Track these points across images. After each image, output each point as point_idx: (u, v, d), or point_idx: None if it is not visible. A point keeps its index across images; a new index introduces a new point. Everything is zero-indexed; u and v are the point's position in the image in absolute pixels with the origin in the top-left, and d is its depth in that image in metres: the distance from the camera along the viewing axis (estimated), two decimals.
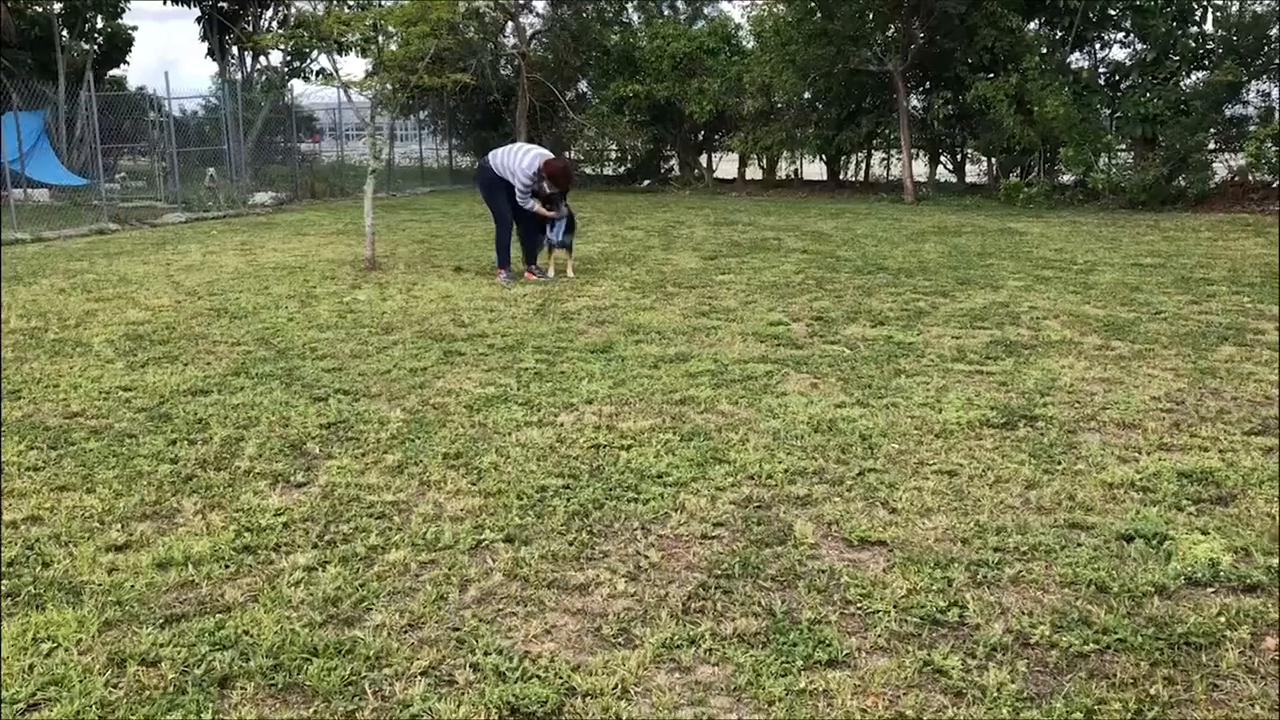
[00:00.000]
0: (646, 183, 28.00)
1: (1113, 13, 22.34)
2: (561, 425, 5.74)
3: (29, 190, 22.55)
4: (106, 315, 9.40)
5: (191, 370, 7.17)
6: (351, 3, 19.22)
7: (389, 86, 12.47)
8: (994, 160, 24.06)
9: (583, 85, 29.38)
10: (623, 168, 29.10)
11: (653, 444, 5.31)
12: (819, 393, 6.41)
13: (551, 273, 11.50)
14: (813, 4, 22.74)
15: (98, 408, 6.19)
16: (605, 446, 5.31)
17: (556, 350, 7.82)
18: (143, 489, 4.75)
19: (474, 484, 4.79)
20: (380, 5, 17.15)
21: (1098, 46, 23.15)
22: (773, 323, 8.88)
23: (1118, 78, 22.55)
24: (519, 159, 11.11)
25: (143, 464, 5.11)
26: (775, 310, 9.52)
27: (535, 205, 11.21)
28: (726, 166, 30.02)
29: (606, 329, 8.68)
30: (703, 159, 29.34)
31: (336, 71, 12.26)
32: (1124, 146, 22.11)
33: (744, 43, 26.84)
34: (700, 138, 28.62)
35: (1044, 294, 10.32)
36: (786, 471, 4.86)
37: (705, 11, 28.83)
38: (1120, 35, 22.75)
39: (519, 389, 6.61)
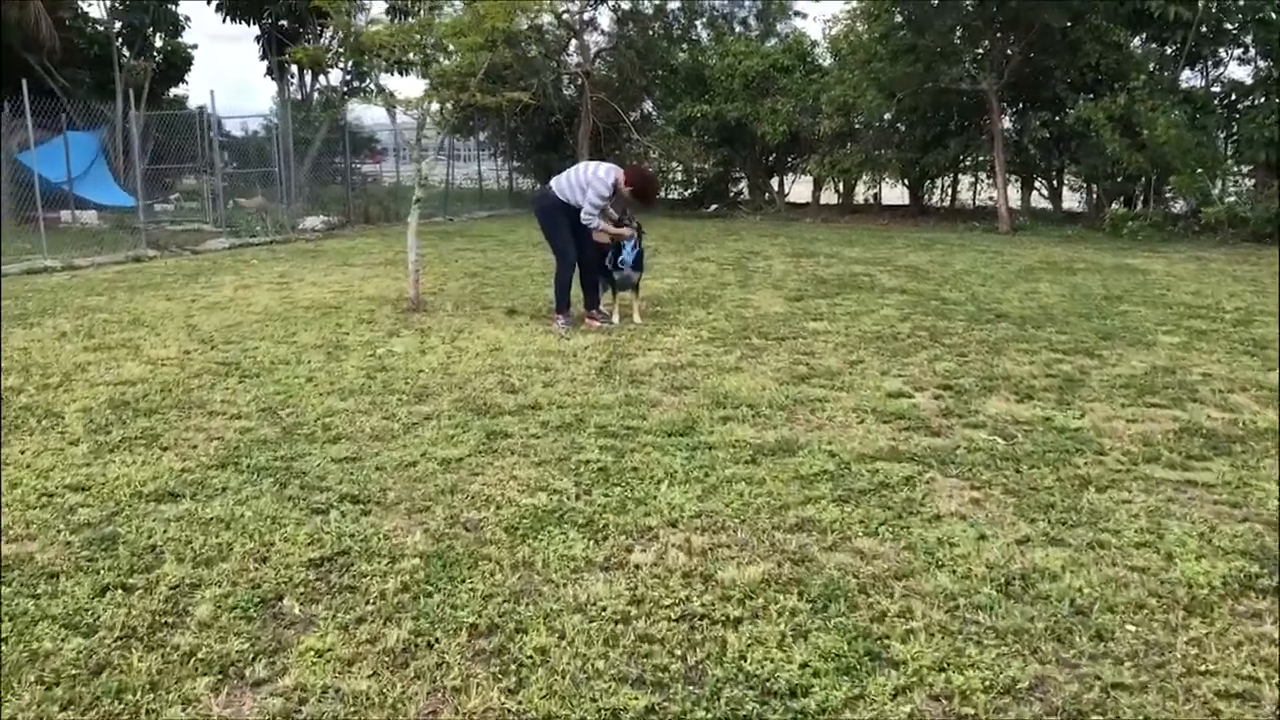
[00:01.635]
0: (714, 207, 26.40)
1: (1231, 27, 20.36)
2: (637, 570, 4.13)
3: (76, 212, 21.51)
4: (98, 371, 7.99)
5: (169, 458, 5.68)
6: (413, 20, 17.96)
7: (436, 105, 10.99)
8: (1095, 187, 22.10)
9: (648, 105, 27.90)
10: (689, 191, 27.52)
11: (771, 616, 3.68)
12: (986, 516, 4.73)
13: (616, 318, 9.95)
14: (900, 19, 21.01)
15: (28, 522, 4.71)
16: (702, 618, 3.69)
17: (625, 431, 6.23)
18: (21, 695, 3.21)
19: (511, 694, 3.19)
20: (436, 17, 15.84)
21: (1212, 64, 21.14)
22: (892, 393, 7.22)
23: (1235, 97, 20.52)
24: (590, 173, 9.66)
25: (45, 636, 3.58)
26: (890, 374, 7.85)
27: (603, 225, 9.71)
28: (799, 190, 28.33)
29: (685, 398, 7.08)
30: (774, 182, 27.68)
31: (379, 87, 10.78)
32: (1242, 173, 20.07)
33: (820, 60, 25.17)
34: (772, 160, 26.97)
35: (1209, 355, 8.53)
36: (988, 689, 3.19)
37: (779, 29, 27.21)
38: (1239, 51, 20.73)
39: (578, 497, 5.02)
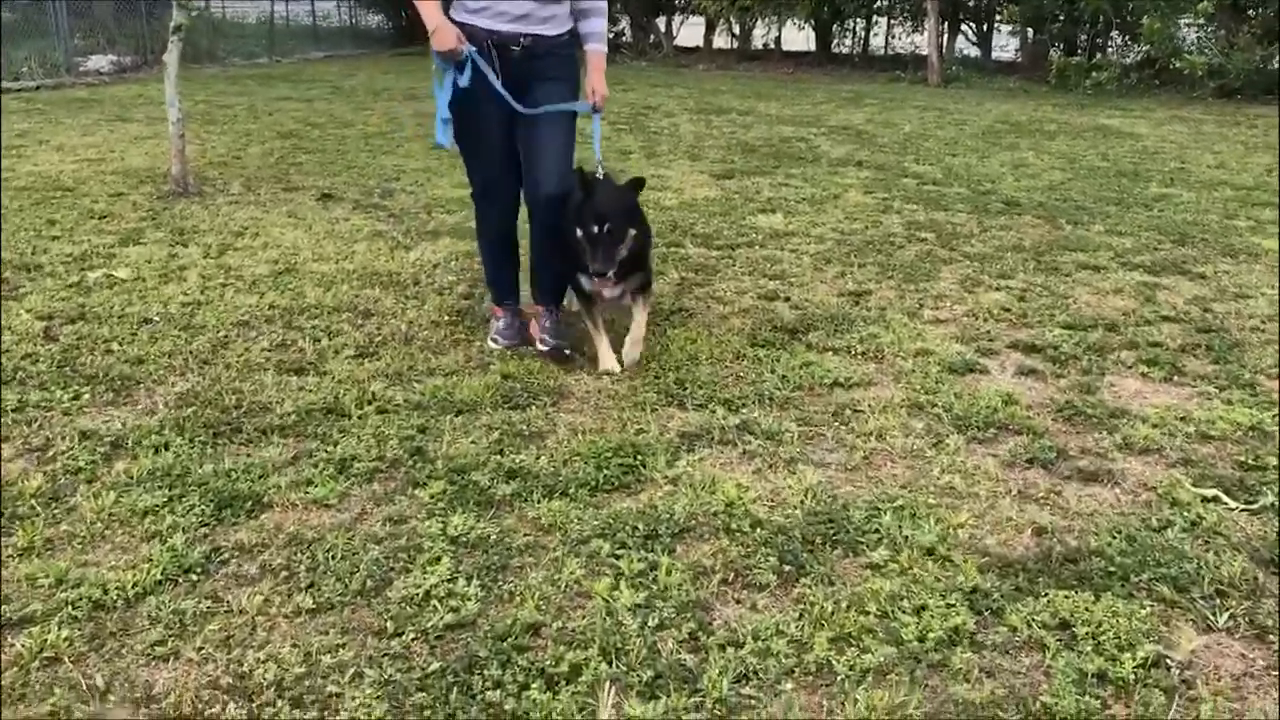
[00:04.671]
0: None
1: None
2: None
3: None
4: None
5: None
6: None
7: None
8: (1033, 32, 19.25)
9: None
10: None
11: None
12: None
13: (608, 362, 4.30)
14: None
15: None
16: None
17: (504, 495, 3.16)
18: None
19: None
20: None
21: None
22: (954, 365, 4.28)
23: None
24: None
25: None
26: (922, 316, 4.89)
27: None
28: (687, 33, 24.80)
29: (604, 394, 4.01)
30: (660, 22, 24.06)
31: None
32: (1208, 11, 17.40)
33: None
34: None
35: None
36: None
37: None
38: None
39: None
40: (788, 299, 5.20)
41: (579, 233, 3.95)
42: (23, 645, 2.42)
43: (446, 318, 4.82)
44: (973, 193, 8.07)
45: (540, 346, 4.35)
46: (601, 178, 4.12)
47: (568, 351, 4.32)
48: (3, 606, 2.57)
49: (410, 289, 5.26)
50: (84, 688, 2.29)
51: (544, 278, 4.46)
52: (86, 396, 3.87)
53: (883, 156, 9.87)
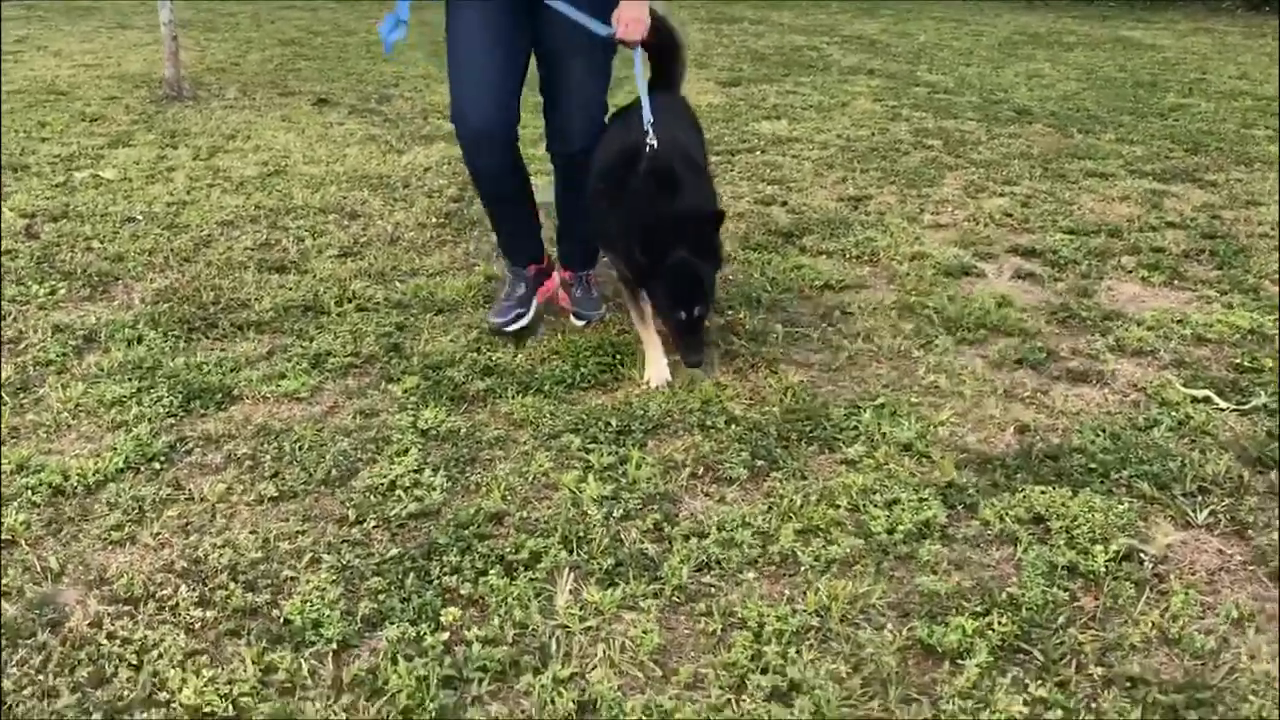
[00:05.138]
0: None
1: None
2: None
3: None
4: None
5: None
6: None
7: None
8: None
9: None
10: None
11: None
12: None
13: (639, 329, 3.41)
14: None
15: None
16: None
17: (479, 390, 3.11)
18: None
19: None
20: None
21: None
22: (948, 266, 4.18)
23: None
24: None
25: None
26: (921, 220, 4.78)
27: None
28: None
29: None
30: None
31: None
32: None
33: None
34: None
35: None
36: None
37: None
38: None
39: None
40: (785, 204, 5.09)
41: (664, 310, 3.06)
42: None
43: (434, 220, 4.73)
44: (984, 101, 7.86)
45: (575, 321, 3.65)
46: (651, 148, 3.06)
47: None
48: None
49: (400, 191, 5.17)
50: (38, 569, 2.27)
51: (570, 239, 3.70)
52: (63, 292, 3.82)
53: (895, 66, 9.62)
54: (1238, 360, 3.36)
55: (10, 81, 7.81)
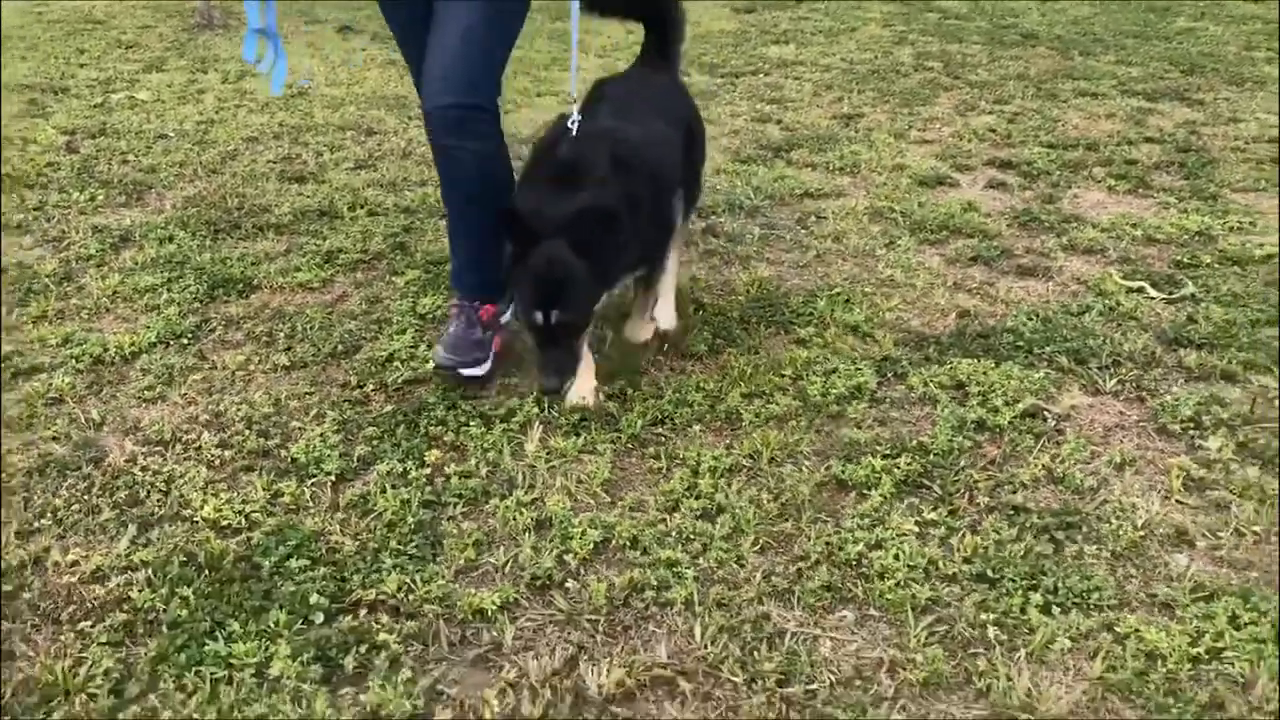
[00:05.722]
0: None
1: None
2: None
3: None
4: None
5: None
6: None
7: None
8: None
9: None
10: None
11: None
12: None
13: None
14: None
15: None
16: None
17: None
18: None
19: None
20: None
21: None
22: (924, 177, 4.43)
23: None
24: None
25: None
26: (908, 137, 5.02)
27: None
28: None
29: None
30: None
31: None
32: None
33: None
34: None
35: None
36: None
37: None
38: None
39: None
40: (779, 121, 5.33)
41: (519, 311, 2.65)
42: (31, 388, 2.76)
43: None
44: (993, 26, 7.98)
45: (435, 358, 2.80)
46: (576, 136, 2.63)
47: (476, 371, 2.78)
48: (12, 359, 2.91)
49: (415, 111, 5.44)
50: (82, 420, 2.63)
51: (453, 247, 2.98)
52: (101, 198, 4.17)
53: None
54: (1180, 258, 3.61)
55: (50, 11, 8.14)
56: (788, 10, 8.56)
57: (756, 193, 4.25)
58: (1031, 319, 3.12)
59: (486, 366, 2.81)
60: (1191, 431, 2.55)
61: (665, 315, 3.06)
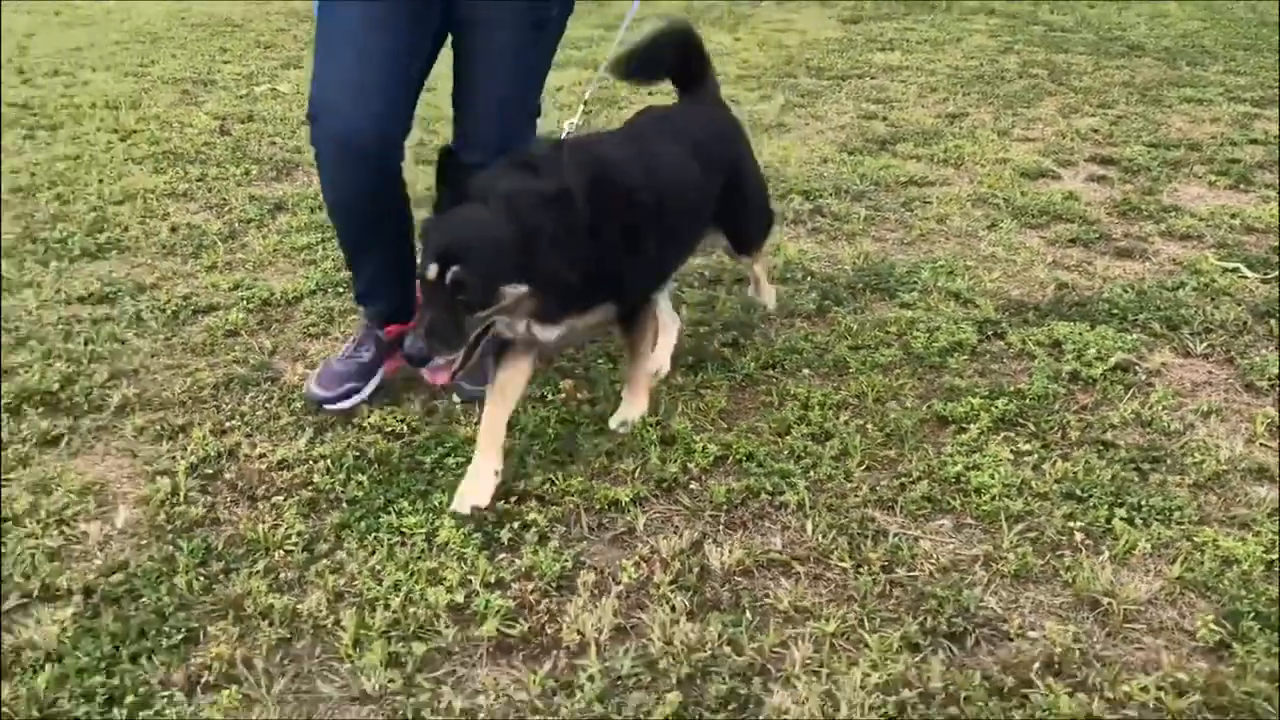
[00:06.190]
0: None
1: None
2: None
3: None
4: None
5: None
6: None
7: None
8: None
9: None
10: None
11: None
12: None
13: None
14: None
15: None
16: None
17: None
18: None
19: None
20: None
21: None
22: (1027, 170, 4.58)
23: None
24: None
25: None
26: (1011, 135, 5.17)
27: None
28: None
29: None
30: None
31: None
32: None
33: None
34: None
35: None
36: None
37: None
38: None
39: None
40: (885, 119, 5.53)
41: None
42: (209, 322, 3.11)
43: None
44: (1099, 39, 8.06)
45: (309, 388, 2.63)
46: (560, 142, 2.40)
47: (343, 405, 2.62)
48: (189, 300, 3.27)
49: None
50: (257, 348, 2.97)
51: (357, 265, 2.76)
52: (255, 173, 4.56)
53: (1015, 6, 9.80)
54: (1278, 244, 3.72)
55: (192, 15, 8.73)
56: (893, 21, 8.74)
57: (863, 179, 4.46)
58: (1127, 291, 3.28)
59: (363, 395, 2.63)
60: (1278, 387, 2.70)
61: (636, 390, 2.55)
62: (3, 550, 2.06)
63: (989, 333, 3.03)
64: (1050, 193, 4.29)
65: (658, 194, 2.37)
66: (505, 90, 2.53)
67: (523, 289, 2.12)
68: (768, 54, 7.19)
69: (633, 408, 2.55)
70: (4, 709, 1.68)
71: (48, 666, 1.74)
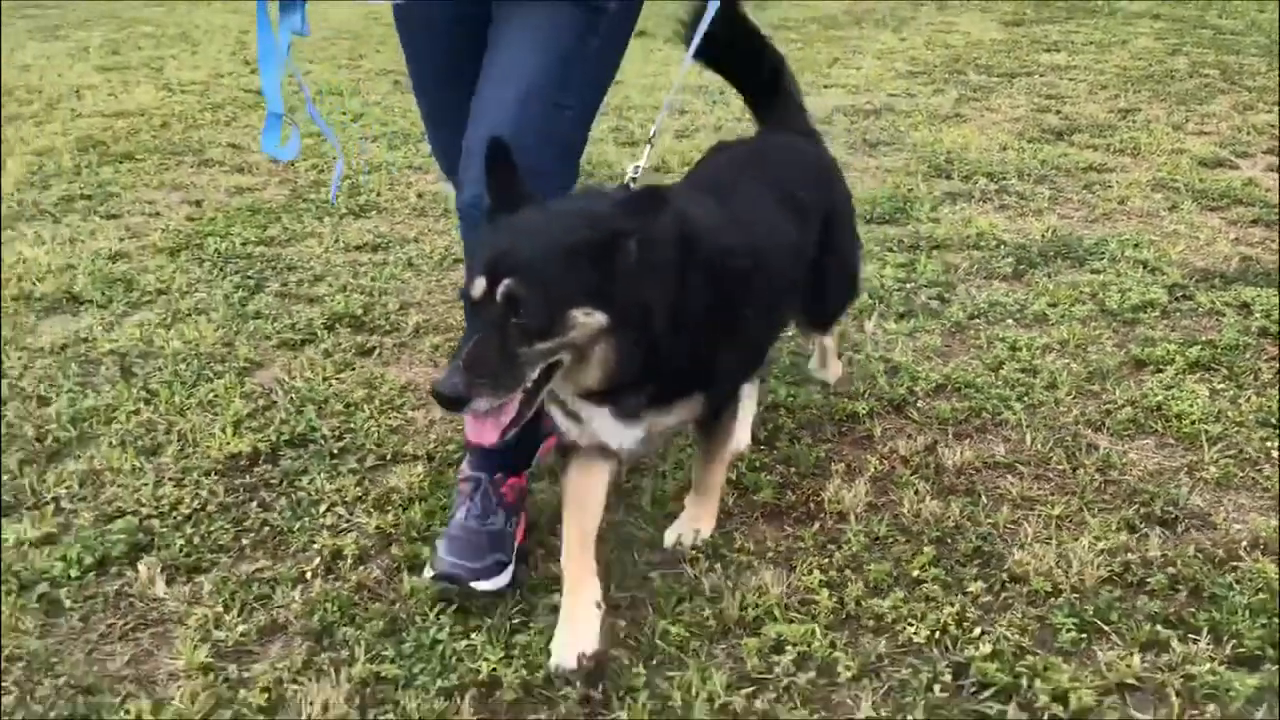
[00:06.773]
0: None
1: None
2: None
3: None
4: (96, 98, 6.07)
5: (109, 233, 3.76)
6: None
7: None
8: None
9: None
10: None
11: None
12: None
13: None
14: None
15: None
16: None
17: None
18: None
19: None
20: None
21: None
22: (1204, 159, 4.75)
23: None
24: None
25: None
26: (1186, 128, 5.32)
27: None
28: None
29: (885, 160, 4.76)
30: None
31: None
32: None
33: None
34: None
35: None
36: None
37: None
38: None
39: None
40: (1058, 112, 5.74)
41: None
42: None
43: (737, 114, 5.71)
44: (1270, 41, 8.06)
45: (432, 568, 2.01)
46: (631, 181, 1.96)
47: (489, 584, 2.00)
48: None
49: (717, 94, 6.17)
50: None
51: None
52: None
53: (1183, 10, 9.79)
54: None
55: (381, 15, 9.39)
56: (1056, 25, 8.87)
57: (1043, 164, 4.70)
58: None
59: (508, 575, 2.01)
60: None
61: (705, 501, 2.13)
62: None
63: (1178, 295, 3.27)
64: (1229, 179, 4.46)
65: (752, 258, 1.90)
66: (513, 73, 1.94)
67: (599, 319, 1.63)
68: (935, 53, 7.44)
69: (697, 521, 2.11)
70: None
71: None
